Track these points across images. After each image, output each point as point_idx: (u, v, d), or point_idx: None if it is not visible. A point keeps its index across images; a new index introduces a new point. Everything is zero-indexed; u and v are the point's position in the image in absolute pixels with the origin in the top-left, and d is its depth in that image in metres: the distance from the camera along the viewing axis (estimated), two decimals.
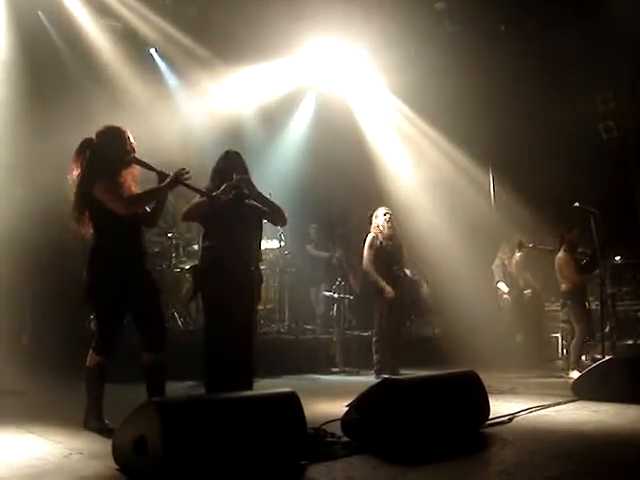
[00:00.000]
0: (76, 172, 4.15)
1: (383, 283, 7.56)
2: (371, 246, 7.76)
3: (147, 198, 4.28)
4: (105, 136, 4.23)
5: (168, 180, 4.16)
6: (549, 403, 5.07)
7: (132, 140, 4.28)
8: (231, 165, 4.94)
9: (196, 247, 8.29)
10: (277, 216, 5.05)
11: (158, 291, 4.35)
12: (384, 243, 7.74)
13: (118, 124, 4.33)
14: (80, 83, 7.96)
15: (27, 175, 6.91)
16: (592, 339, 7.66)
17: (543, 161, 9.59)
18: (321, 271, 9.86)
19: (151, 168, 4.25)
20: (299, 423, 3.21)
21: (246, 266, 4.80)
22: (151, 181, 4.32)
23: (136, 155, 4.26)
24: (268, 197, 5.09)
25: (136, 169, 4.30)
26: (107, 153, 4.16)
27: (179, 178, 4.19)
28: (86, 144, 4.22)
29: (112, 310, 4.11)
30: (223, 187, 4.74)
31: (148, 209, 4.36)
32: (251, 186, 4.87)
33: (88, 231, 4.16)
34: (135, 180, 4.29)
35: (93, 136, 4.25)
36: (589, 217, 6.92)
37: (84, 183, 4.09)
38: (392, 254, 7.77)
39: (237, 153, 5.08)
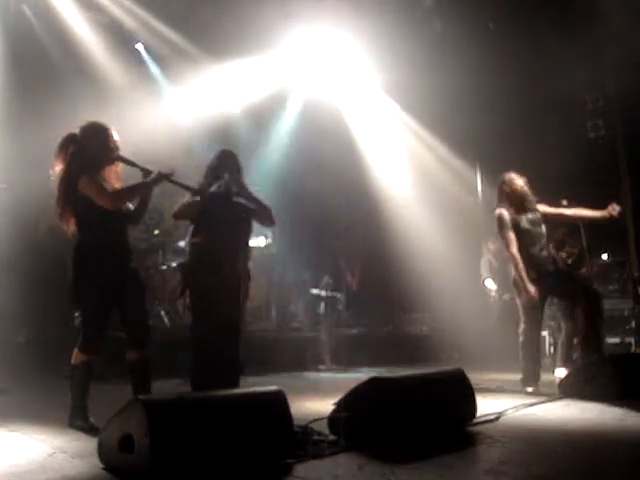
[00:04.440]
0: (59, 167, 4.13)
1: (525, 282, 5.72)
2: (503, 226, 5.94)
3: (132, 192, 4.26)
4: (89, 131, 4.21)
5: (153, 176, 4.15)
6: (536, 401, 5.08)
7: (116, 137, 4.27)
8: (224, 164, 4.95)
9: (182, 244, 8.26)
10: (265, 216, 5.04)
11: (143, 288, 4.33)
12: (518, 219, 5.97)
13: (103, 120, 4.31)
14: (64, 78, 7.89)
15: (12, 173, 6.86)
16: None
17: (531, 159, 9.61)
18: (309, 270, 9.86)
19: (135, 165, 4.24)
20: (286, 421, 3.20)
21: (234, 263, 4.80)
22: (135, 180, 4.30)
23: (120, 152, 4.25)
24: (258, 196, 5.07)
25: (119, 167, 4.30)
26: (92, 148, 4.14)
27: (164, 174, 4.18)
28: (69, 139, 4.19)
29: (97, 307, 4.08)
30: (214, 186, 4.75)
31: (132, 206, 4.34)
32: (242, 185, 4.87)
33: (71, 227, 4.13)
34: (118, 178, 4.28)
35: (76, 132, 4.23)
36: None
37: (68, 178, 4.06)
38: (534, 231, 6.00)
39: (231, 152, 5.08)
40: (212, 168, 5.01)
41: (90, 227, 4.09)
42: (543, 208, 6.14)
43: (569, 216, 6.30)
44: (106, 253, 4.07)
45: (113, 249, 4.14)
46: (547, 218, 6.15)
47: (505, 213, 5.97)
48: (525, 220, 5.97)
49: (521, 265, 5.76)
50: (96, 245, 4.07)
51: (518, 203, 6.02)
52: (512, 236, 5.85)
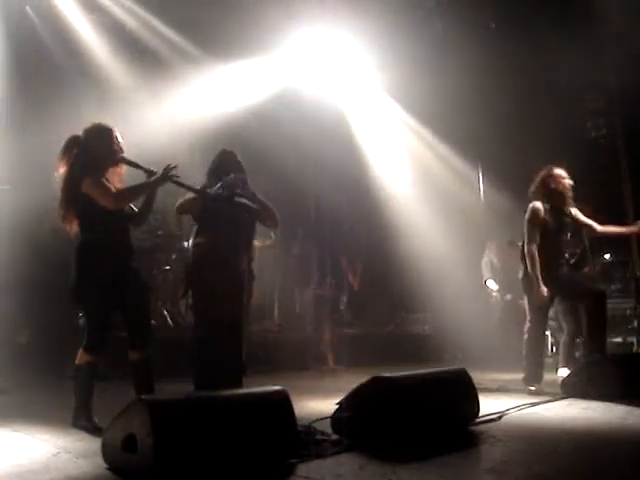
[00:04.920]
0: (63, 169, 4.13)
1: (539, 281, 5.60)
2: (533, 221, 5.72)
3: (136, 193, 4.27)
4: (93, 133, 4.22)
5: (157, 176, 4.15)
6: (539, 401, 5.08)
7: (120, 139, 4.27)
8: (226, 164, 4.97)
9: (186, 244, 8.27)
10: (268, 217, 5.05)
11: (146, 289, 4.34)
12: (550, 220, 5.74)
13: (107, 122, 4.32)
14: (68, 80, 7.89)
15: (16, 173, 6.86)
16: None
17: (533, 158, 9.61)
18: (312, 270, 9.86)
19: (139, 167, 4.24)
20: (289, 421, 3.20)
21: (237, 263, 4.80)
22: (138, 181, 4.30)
23: (124, 154, 4.26)
24: (261, 198, 5.08)
25: (122, 169, 4.31)
26: (95, 150, 4.15)
27: (168, 175, 4.18)
28: (73, 141, 4.20)
29: (100, 307, 4.09)
30: (218, 185, 4.76)
31: (135, 208, 4.34)
32: (245, 186, 4.88)
33: (74, 228, 4.14)
34: (121, 180, 4.29)
35: (80, 133, 4.23)
36: None
37: (72, 179, 4.07)
38: (560, 234, 5.83)
39: (232, 152, 5.10)
40: (213, 168, 5.03)
41: (92, 227, 4.09)
42: (575, 213, 5.95)
43: (597, 231, 6.07)
44: (108, 252, 4.08)
45: (115, 248, 4.15)
46: (573, 223, 6.02)
47: (541, 209, 5.73)
48: (556, 224, 5.78)
49: (537, 264, 5.61)
50: (98, 244, 4.08)
51: (557, 202, 5.80)
52: (537, 234, 5.67)
